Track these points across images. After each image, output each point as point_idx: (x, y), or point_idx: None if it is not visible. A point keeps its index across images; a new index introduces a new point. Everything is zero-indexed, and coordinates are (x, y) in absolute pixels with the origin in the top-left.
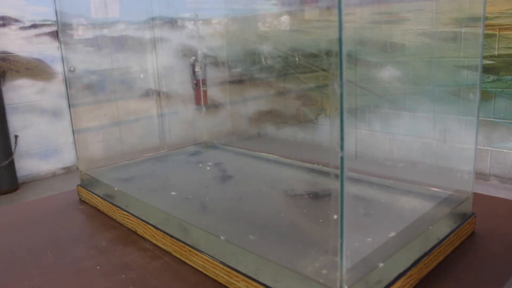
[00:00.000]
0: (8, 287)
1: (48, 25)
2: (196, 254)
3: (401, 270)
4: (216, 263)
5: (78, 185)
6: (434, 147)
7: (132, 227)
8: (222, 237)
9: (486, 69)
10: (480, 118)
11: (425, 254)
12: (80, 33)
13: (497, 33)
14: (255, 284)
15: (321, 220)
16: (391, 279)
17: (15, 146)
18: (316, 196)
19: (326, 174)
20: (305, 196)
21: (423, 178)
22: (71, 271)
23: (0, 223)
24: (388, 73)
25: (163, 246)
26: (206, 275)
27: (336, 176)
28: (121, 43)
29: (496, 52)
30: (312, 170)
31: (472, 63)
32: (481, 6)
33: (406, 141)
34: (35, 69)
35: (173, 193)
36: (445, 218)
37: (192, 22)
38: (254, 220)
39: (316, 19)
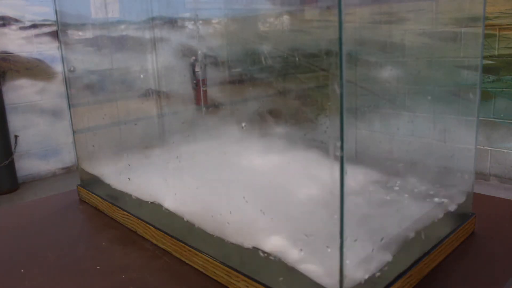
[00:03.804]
0: (8, 287)
1: (48, 25)
2: (196, 254)
3: (401, 270)
4: (216, 263)
5: (78, 185)
6: (434, 147)
7: (132, 227)
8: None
9: (486, 69)
10: (480, 118)
11: (425, 254)
12: (80, 33)
13: (497, 33)
14: (255, 284)
15: None
16: (391, 279)
17: (15, 146)
18: None
19: None
20: None
21: (423, 178)
22: (71, 271)
23: (0, 223)
24: (388, 73)
25: (163, 246)
26: (206, 275)
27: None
28: (121, 43)
29: (496, 52)
30: None
31: (472, 63)
32: (481, 6)
33: (406, 141)
34: (35, 69)
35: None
36: (445, 218)
37: (192, 22)
38: None
39: (316, 19)
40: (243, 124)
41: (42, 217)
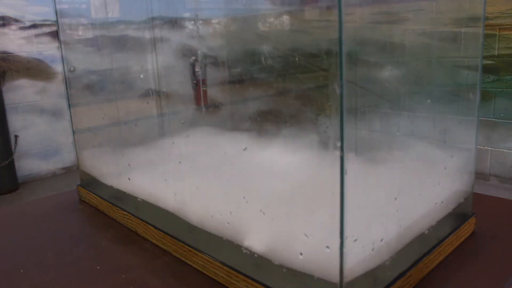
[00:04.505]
0: (8, 287)
1: (48, 25)
2: (196, 254)
3: (401, 270)
4: (216, 263)
5: (78, 185)
6: (434, 147)
7: (132, 227)
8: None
9: (486, 69)
10: (480, 118)
11: (425, 254)
12: (80, 33)
13: (497, 33)
14: (255, 284)
15: None
16: (391, 279)
17: (15, 146)
18: None
19: None
20: None
21: (422, 178)
22: (71, 271)
23: (0, 223)
24: (388, 73)
25: (163, 246)
26: (206, 275)
27: None
28: (121, 43)
29: (496, 52)
30: None
31: (472, 63)
32: (481, 6)
33: (406, 141)
34: (35, 69)
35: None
36: (445, 218)
37: (192, 22)
38: None
39: (316, 19)
40: (244, 147)
41: (42, 217)
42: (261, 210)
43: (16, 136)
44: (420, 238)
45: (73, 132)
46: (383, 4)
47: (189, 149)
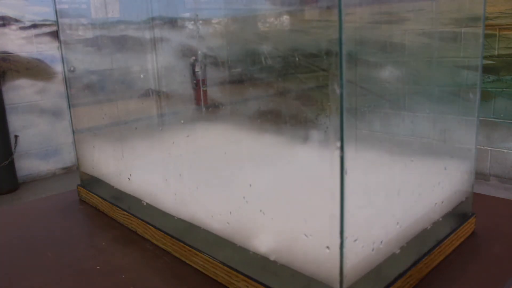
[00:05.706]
0: (8, 287)
1: (48, 25)
2: (196, 254)
3: (401, 270)
4: (216, 263)
5: (78, 185)
6: (434, 147)
7: (132, 227)
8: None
9: (486, 69)
10: (480, 118)
11: (425, 254)
12: (80, 33)
13: (497, 33)
14: (255, 284)
15: None
16: (391, 279)
17: (15, 146)
18: None
19: None
20: None
21: (422, 178)
22: (71, 271)
23: (0, 223)
24: (388, 73)
25: (163, 246)
26: (206, 275)
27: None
28: (121, 43)
29: (496, 52)
30: None
31: (472, 63)
32: (481, 6)
33: (406, 141)
34: (35, 69)
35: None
36: (445, 218)
37: (192, 22)
38: None
39: (316, 19)
40: (250, 184)
41: (42, 217)
42: (261, 210)
43: (16, 136)
44: (420, 238)
45: (73, 132)
46: (383, 4)
47: (189, 149)
